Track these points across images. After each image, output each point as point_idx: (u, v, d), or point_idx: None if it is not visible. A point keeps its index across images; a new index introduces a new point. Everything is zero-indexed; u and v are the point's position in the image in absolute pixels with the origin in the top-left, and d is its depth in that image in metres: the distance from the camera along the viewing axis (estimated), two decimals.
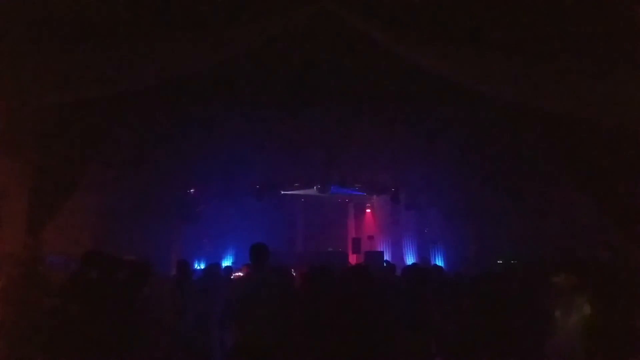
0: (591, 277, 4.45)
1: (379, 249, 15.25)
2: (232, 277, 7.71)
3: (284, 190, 15.35)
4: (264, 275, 4.15)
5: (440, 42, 4.69)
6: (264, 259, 4.17)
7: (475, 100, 6.40)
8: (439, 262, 12.22)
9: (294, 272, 9.53)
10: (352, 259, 14.88)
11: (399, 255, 14.40)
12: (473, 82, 5.46)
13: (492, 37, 4.57)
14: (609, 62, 4.31)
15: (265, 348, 3.81)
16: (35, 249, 4.98)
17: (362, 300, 4.37)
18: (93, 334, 3.53)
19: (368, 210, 17.04)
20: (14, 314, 4.43)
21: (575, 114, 5.19)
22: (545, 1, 4.39)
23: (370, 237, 16.29)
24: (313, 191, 14.77)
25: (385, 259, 13.73)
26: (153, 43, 4.60)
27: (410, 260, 13.49)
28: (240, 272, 9.06)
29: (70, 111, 5.26)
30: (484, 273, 5.06)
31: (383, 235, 15.87)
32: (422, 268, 6.66)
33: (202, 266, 11.36)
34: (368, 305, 4.33)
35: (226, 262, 12.03)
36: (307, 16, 4.89)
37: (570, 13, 4.28)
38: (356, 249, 15.50)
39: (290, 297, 4.41)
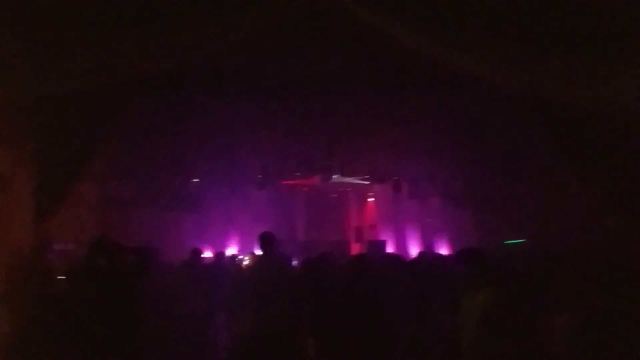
0: (591, 265, 4.46)
1: (381, 238, 15.30)
2: (236, 264, 7.79)
3: (286, 180, 15.35)
4: (273, 262, 4.23)
5: (443, 30, 4.68)
6: (273, 246, 4.26)
7: (477, 89, 6.39)
8: (442, 251, 12.28)
9: (295, 261, 9.61)
10: (354, 248, 14.92)
11: (401, 244, 14.44)
12: (476, 70, 5.45)
13: (497, 27, 4.55)
14: (612, 55, 4.30)
15: (278, 332, 3.89)
16: (41, 238, 5.03)
17: (363, 289, 4.41)
18: (100, 321, 3.58)
19: (370, 199, 17.00)
20: (21, 302, 4.49)
21: (579, 105, 5.19)
22: None
23: (372, 226, 16.28)
24: (314, 180, 14.78)
25: (387, 248, 13.80)
26: (153, 31, 4.60)
27: (413, 249, 13.55)
28: (245, 260, 9.14)
29: (73, 101, 5.28)
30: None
31: (385, 224, 15.87)
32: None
33: (207, 254, 11.45)
34: (368, 295, 4.37)
35: (229, 251, 12.14)
36: (308, 4, 4.87)
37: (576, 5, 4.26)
38: (358, 238, 15.53)
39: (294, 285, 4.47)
